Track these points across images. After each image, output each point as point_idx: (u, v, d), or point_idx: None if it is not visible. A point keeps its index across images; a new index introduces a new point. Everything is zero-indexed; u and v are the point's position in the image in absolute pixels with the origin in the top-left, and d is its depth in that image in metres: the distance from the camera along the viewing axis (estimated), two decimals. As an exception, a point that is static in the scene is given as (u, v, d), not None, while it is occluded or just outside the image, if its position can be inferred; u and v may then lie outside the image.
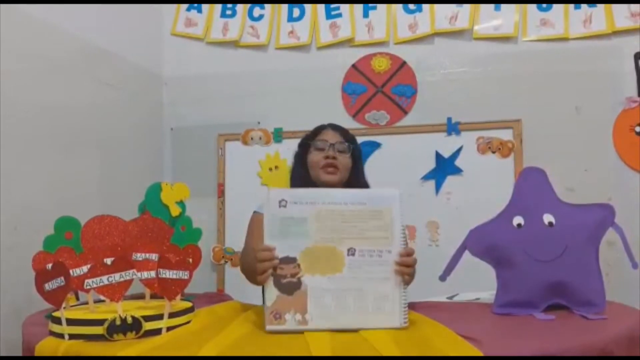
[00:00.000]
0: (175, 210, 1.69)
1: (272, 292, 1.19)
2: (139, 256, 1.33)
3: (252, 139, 2.65)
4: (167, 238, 1.46)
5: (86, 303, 1.29)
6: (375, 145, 2.52)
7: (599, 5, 2.35)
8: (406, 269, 1.21)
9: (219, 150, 2.69)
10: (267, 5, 2.69)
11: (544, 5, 2.41)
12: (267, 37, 2.69)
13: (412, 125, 2.51)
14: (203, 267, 2.22)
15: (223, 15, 2.74)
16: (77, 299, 1.46)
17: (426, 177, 2.47)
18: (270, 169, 2.62)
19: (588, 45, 2.36)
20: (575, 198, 1.47)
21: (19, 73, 1.85)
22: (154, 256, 1.32)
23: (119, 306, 1.12)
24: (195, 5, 2.77)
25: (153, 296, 1.36)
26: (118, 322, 1.08)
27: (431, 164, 2.46)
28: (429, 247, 2.42)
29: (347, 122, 2.32)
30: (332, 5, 2.63)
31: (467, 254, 1.43)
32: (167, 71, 2.79)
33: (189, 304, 1.29)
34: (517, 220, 1.40)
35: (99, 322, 1.09)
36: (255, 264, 1.21)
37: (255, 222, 1.61)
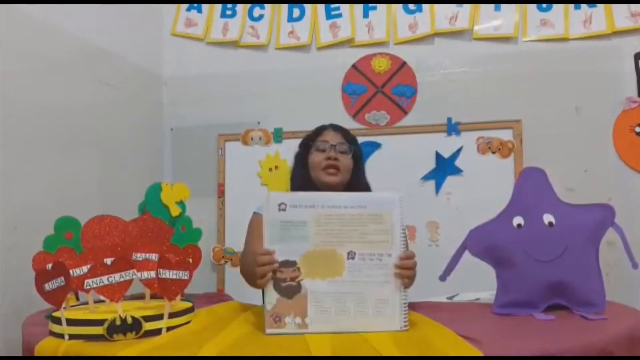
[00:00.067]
0: (175, 211, 1.69)
1: (272, 296, 1.19)
2: (139, 256, 1.33)
3: (252, 139, 2.65)
4: (167, 238, 1.46)
5: (86, 303, 1.29)
6: (375, 146, 2.52)
7: (599, 5, 2.35)
8: (406, 272, 1.21)
9: (219, 150, 2.69)
10: (267, 5, 2.69)
11: (544, 5, 2.41)
12: (267, 37, 2.69)
13: (412, 125, 2.51)
14: (203, 267, 2.22)
15: (223, 15, 2.74)
16: (77, 299, 1.46)
17: (426, 177, 2.47)
18: (270, 169, 2.62)
19: (588, 45, 2.36)
20: (575, 198, 1.47)
21: (19, 73, 1.85)
22: (154, 256, 1.32)
23: (119, 306, 1.12)
24: (195, 5, 2.77)
25: (153, 296, 1.36)
26: (118, 322, 1.08)
27: (431, 164, 2.46)
28: (429, 247, 2.42)
29: (347, 123, 2.32)
30: (332, 6, 2.63)
31: (467, 254, 1.43)
32: (167, 71, 2.79)
33: (189, 304, 1.29)
34: (517, 220, 1.40)
35: (99, 322, 1.09)
36: (255, 267, 1.21)
37: (255, 224, 1.61)
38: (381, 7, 2.58)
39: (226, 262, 2.62)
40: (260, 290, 1.33)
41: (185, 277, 1.19)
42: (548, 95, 2.39)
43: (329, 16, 2.63)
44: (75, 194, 2.06)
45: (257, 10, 2.71)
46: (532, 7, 2.43)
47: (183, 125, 2.76)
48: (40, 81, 1.95)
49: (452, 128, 2.45)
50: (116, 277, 1.15)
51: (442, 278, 1.42)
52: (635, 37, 2.30)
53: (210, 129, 2.69)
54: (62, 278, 1.12)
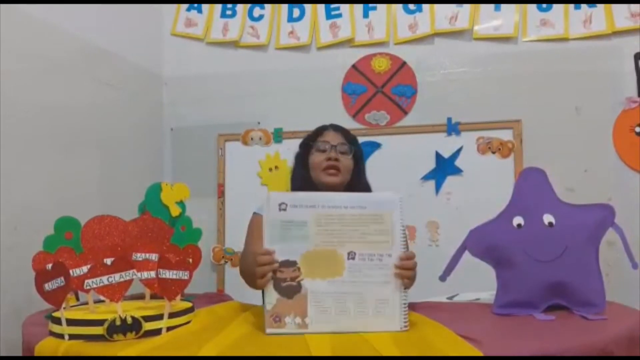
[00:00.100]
0: (175, 211, 1.69)
1: (272, 296, 1.19)
2: (139, 256, 1.33)
3: (252, 139, 2.65)
4: (167, 238, 1.46)
5: (86, 303, 1.29)
6: (375, 146, 2.52)
7: (599, 5, 2.35)
8: (406, 272, 1.21)
9: (219, 151, 2.69)
10: (267, 6, 2.69)
11: (544, 5, 2.41)
12: (267, 37, 2.69)
13: (412, 125, 2.51)
14: (203, 267, 2.22)
15: (223, 15, 2.74)
16: (77, 299, 1.46)
17: (426, 177, 2.47)
18: (270, 169, 2.62)
19: (588, 45, 2.36)
20: (575, 198, 1.47)
21: (19, 73, 1.85)
22: (154, 256, 1.32)
23: (118, 306, 1.12)
24: (195, 5, 2.77)
25: (153, 296, 1.36)
26: (118, 323, 1.08)
27: (431, 164, 2.46)
28: (429, 247, 2.42)
29: (347, 123, 2.32)
30: (332, 6, 2.63)
31: (467, 254, 1.43)
32: (167, 71, 2.79)
33: (188, 304, 1.29)
34: (517, 220, 1.40)
35: (98, 323, 1.09)
36: (255, 267, 1.21)
37: (255, 224, 1.61)
38: (381, 7, 2.58)
39: (226, 262, 2.62)
40: (260, 291, 1.33)
41: (185, 277, 1.19)
42: (548, 95, 2.39)
43: (329, 16, 2.63)
44: (75, 194, 2.06)
45: (257, 10, 2.71)
46: (532, 7, 2.43)
47: (183, 125, 2.76)
48: (40, 81, 1.95)
49: (452, 128, 2.45)
50: (116, 277, 1.15)
51: (442, 278, 1.42)
52: (635, 37, 2.30)
53: (210, 129, 2.69)
54: (62, 278, 1.12)
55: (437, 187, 2.45)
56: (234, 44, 2.73)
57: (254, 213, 1.66)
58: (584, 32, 2.36)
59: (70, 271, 1.22)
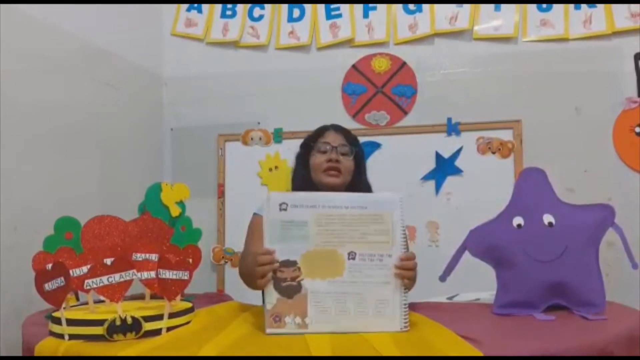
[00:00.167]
0: (175, 211, 1.69)
1: (272, 295, 1.19)
2: (139, 256, 1.33)
3: (252, 139, 2.65)
4: (167, 238, 1.46)
5: (86, 303, 1.29)
6: (375, 146, 2.52)
7: (599, 5, 2.35)
8: (406, 272, 1.21)
9: (219, 151, 2.69)
10: (267, 6, 2.69)
11: (544, 5, 2.41)
12: (267, 37, 2.69)
13: (412, 125, 2.51)
14: (203, 268, 2.22)
15: (223, 15, 2.74)
16: (77, 299, 1.46)
17: (426, 178, 2.47)
18: (270, 170, 2.62)
19: (588, 45, 2.36)
20: (575, 198, 1.47)
21: (19, 73, 1.85)
22: (154, 256, 1.32)
23: (118, 306, 1.12)
24: (195, 5, 2.78)
25: (153, 296, 1.36)
26: (118, 323, 1.08)
27: (431, 165, 2.47)
28: (429, 248, 2.42)
29: (347, 123, 2.32)
30: (332, 6, 2.63)
31: (467, 255, 1.43)
32: (167, 71, 2.79)
33: (188, 305, 1.29)
34: (517, 220, 1.40)
35: (98, 323, 1.09)
36: (255, 267, 1.21)
37: (255, 225, 1.61)
38: (381, 7, 2.58)
39: (226, 262, 2.62)
40: (259, 291, 1.33)
41: (185, 277, 1.19)
42: (548, 95, 2.39)
43: (329, 16, 2.63)
44: (75, 194, 2.06)
45: (257, 11, 2.71)
46: (532, 7, 2.43)
47: (183, 125, 2.76)
48: (40, 81, 1.95)
49: (452, 128, 2.45)
50: (116, 278, 1.15)
51: (442, 278, 1.42)
52: (635, 37, 2.30)
53: (210, 129, 2.70)
54: (62, 278, 1.12)
55: (437, 187, 2.45)
56: (234, 44, 2.73)
57: (254, 214, 1.66)
58: (584, 32, 2.36)
59: (70, 271, 1.23)
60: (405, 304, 1.20)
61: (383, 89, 2.57)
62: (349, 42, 2.61)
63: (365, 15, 2.60)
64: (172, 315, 1.17)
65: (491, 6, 2.46)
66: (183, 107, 2.76)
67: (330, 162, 1.59)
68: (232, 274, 2.59)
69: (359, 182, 1.66)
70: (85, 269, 1.27)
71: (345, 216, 1.21)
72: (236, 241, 2.45)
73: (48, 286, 1.13)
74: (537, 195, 1.42)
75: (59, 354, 1.07)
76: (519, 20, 2.43)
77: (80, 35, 2.16)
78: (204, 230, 1.76)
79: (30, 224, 1.80)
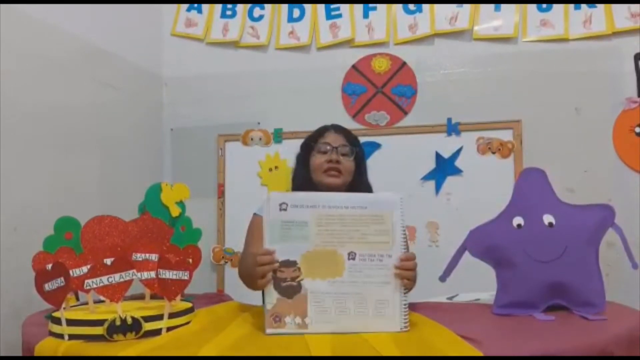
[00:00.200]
0: (175, 211, 1.69)
1: (272, 295, 1.19)
2: (139, 256, 1.33)
3: (252, 139, 2.65)
4: (167, 238, 1.46)
5: (86, 303, 1.29)
6: (375, 146, 2.52)
7: (599, 5, 2.35)
8: (406, 273, 1.21)
9: (219, 151, 2.69)
10: (267, 6, 2.69)
11: (544, 5, 2.41)
12: (267, 37, 2.69)
13: (412, 125, 2.51)
14: (203, 268, 2.22)
15: (223, 15, 2.74)
16: (77, 299, 1.46)
17: (426, 178, 2.47)
18: (270, 170, 2.62)
19: (588, 45, 2.36)
20: (575, 199, 1.47)
21: (19, 73, 1.85)
22: (154, 256, 1.32)
23: (118, 307, 1.12)
24: (195, 5, 2.78)
25: (153, 296, 1.36)
26: (118, 323, 1.08)
27: (431, 165, 2.46)
28: (429, 248, 2.42)
29: (347, 123, 2.31)
30: (332, 6, 2.63)
31: (467, 255, 1.43)
32: (167, 71, 2.79)
33: (188, 305, 1.29)
34: (517, 220, 1.40)
35: (98, 323, 1.09)
36: (255, 268, 1.21)
37: (255, 225, 1.61)
38: (381, 8, 2.58)
39: (226, 262, 2.62)
40: (259, 291, 1.33)
41: (185, 278, 1.19)
42: (548, 95, 2.39)
43: (329, 16, 2.63)
44: (75, 194, 2.06)
45: (257, 11, 2.71)
46: (532, 8, 2.43)
47: (183, 125, 2.76)
48: (40, 81, 1.95)
49: (452, 128, 2.45)
50: (116, 278, 1.15)
51: (442, 279, 1.42)
52: (635, 37, 2.30)
53: (210, 129, 2.70)
54: (62, 278, 1.12)
55: (437, 188, 2.45)
56: (234, 44, 2.73)
57: (254, 214, 1.66)
58: (584, 32, 2.36)
59: (70, 271, 1.23)
60: (405, 304, 1.20)
61: (383, 89, 2.57)
62: (349, 42, 2.61)
63: (365, 16, 2.60)
64: (172, 315, 1.17)
65: (491, 6, 2.46)
66: (183, 107, 2.76)
67: (330, 163, 1.59)
68: (232, 274, 2.59)
69: (359, 183, 1.66)
70: (85, 269, 1.27)
71: (345, 216, 1.21)
72: (236, 241, 2.45)
73: (48, 286, 1.13)
74: (537, 196, 1.43)
75: (59, 354, 1.07)
76: (519, 20, 2.43)
77: (80, 35, 2.16)
78: (204, 230, 1.77)
79: (30, 224, 1.80)
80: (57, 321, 1.12)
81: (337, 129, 1.70)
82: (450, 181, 2.44)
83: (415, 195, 2.42)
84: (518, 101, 2.42)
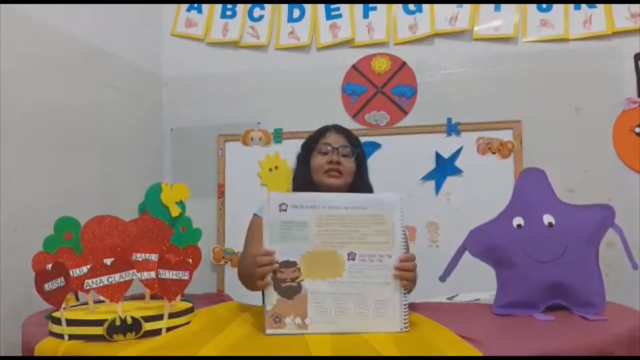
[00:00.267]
0: (175, 211, 1.69)
1: (272, 296, 1.19)
2: (138, 256, 1.33)
3: (252, 139, 2.65)
4: (167, 238, 1.46)
5: (86, 303, 1.29)
6: (375, 146, 2.52)
7: (599, 5, 2.35)
8: (406, 273, 1.21)
9: (219, 151, 2.69)
10: (267, 6, 2.69)
11: (544, 5, 2.41)
12: (267, 37, 2.69)
13: (412, 125, 2.51)
14: (203, 268, 2.22)
15: (223, 15, 2.74)
16: (77, 299, 1.46)
17: (426, 178, 2.47)
18: (270, 170, 2.62)
19: (588, 45, 2.36)
20: (575, 199, 1.47)
21: (19, 73, 1.85)
22: (154, 256, 1.32)
23: (118, 307, 1.12)
24: (195, 5, 2.78)
25: (153, 296, 1.36)
26: (118, 323, 1.08)
27: (431, 165, 2.46)
28: (429, 248, 2.42)
29: (347, 123, 2.31)
30: (332, 6, 2.63)
31: (467, 255, 1.43)
32: (167, 71, 2.79)
33: (188, 305, 1.29)
34: (517, 220, 1.40)
35: (98, 323, 1.09)
36: (255, 269, 1.20)
37: (255, 226, 1.61)
38: (381, 8, 2.58)
39: (226, 262, 2.62)
40: (259, 291, 1.33)
41: (185, 278, 1.19)
42: (548, 95, 2.39)
43: (329, 16, 2.63)
44: (75, 194, 2.06)
45: (257, 11, 2.71)
46: (532, 8, 2.43)
47: (183, 125, 2.76)
48: (40, 81, 1.95)
49: (452, 128, 2.45)
50: (116, 278, 1.15)
51: (442, 279, 1.42)
52: (635, 37, 2.30)
53: (210, 129, 2.70)
54: (62, 278, 1.12)
55: (437, 188, 2.45)
56: (234, 44, 2.73)
57: (254, 215, 1.65)
58: (584, 32, 2.36)
59: (70, 271, 1.23)
60: (405, 305, 1.20)
61: (383, 89, 2.57)
62: (349, 43, 2.61)
63: (365, 16, 2.60)
64: (172, 316, 1.17)
65: (491, 6, 2.46)
66: (183, 107, 2.76)
67: (331, 164, 1.59)
68: (232, 274, 2.59)
69: (360, 183, 1.66)
70: (85, 269, 1.27)
71: (345, 217, 1.21)
72: (236, 241, 2.45)
73: (48, 286, 1.13)
74: (537, 196, 1.43)
75: (59, 354, 1.07)
76: (519, 20, 2.43)
77: (80, 35, 2.16)
78: (204, 231, 1.77)
79: (30, 224, 1.80)
80: (57, 321, 1.12)
81: (338, 129, 1.69)
82: (450, 181, 2.44)
83: (415, 195, 2.42)
84: (518, 101, 2.42)
